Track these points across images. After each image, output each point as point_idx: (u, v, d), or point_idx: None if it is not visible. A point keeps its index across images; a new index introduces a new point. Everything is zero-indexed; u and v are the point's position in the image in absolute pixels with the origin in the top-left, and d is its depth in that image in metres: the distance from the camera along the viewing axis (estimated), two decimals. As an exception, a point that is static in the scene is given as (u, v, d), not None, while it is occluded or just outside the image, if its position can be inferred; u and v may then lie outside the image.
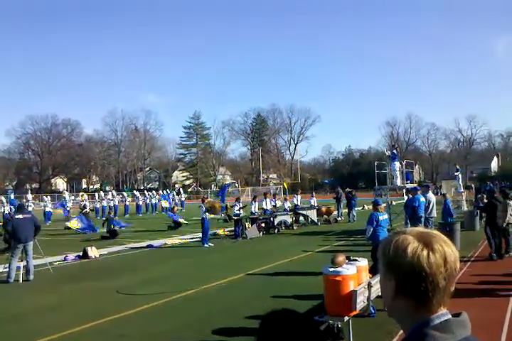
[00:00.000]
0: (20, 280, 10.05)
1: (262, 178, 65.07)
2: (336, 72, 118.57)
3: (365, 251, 8.92)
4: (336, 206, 23.94)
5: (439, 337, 1.04)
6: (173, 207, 26.14)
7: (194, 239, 16.64)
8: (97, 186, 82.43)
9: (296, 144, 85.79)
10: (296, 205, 22.38)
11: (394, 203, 21.00)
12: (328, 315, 5.49)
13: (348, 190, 24.62)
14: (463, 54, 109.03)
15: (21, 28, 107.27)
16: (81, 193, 41.39)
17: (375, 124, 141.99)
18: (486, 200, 12.28)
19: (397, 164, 17.94)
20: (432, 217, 13.41)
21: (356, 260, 6.03)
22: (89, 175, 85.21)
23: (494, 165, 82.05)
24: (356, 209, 23.37)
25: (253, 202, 19.33)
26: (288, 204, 22.55)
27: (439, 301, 1.09)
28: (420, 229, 1.16)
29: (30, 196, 36.91)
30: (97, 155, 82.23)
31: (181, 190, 45.51)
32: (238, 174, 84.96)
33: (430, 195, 13.80)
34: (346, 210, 22.97)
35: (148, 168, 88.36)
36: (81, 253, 13.32)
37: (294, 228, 19.71)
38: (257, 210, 19.17)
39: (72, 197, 41.26)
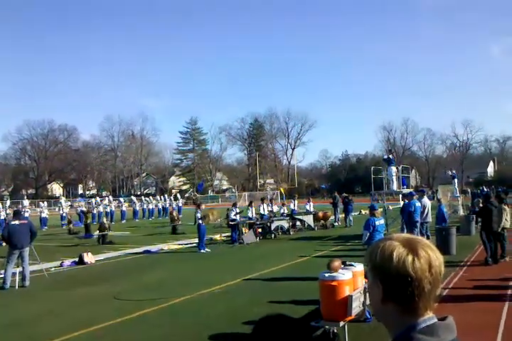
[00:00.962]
0: (16, 287, 10.01)
1: (259, 183, 65.06)
2: (332, 77, 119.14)
3: (362, 256, 8.88)
4: (333, 211, 23.98)
5: None
6: (172, 215, 25.38)
7: (191, 245, 16.62)
8: (94, 191, 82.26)
9: (293, 149, 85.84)
10: (292, 210, 22.40)
11: (390, 208, 21.05)
12: (324, 320, 5.49)
13: (344, 195, 24.70)
14: (459, 58, 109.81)
15: (19, 31, 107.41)
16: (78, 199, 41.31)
17: (372, 129, 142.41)
18: (481, 205, 12.33)
19: (393, 169, 17.99)
20: (427, 222, 13.47)
21: (352, 265, 6.05)
22: (86, 181, 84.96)
23: (490, 169, 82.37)
24: (353, 214, 23.41)
25: (250, 207, 19.36)
26: (285, 210, 22.58)
27: (425, 305, 1.12)
28: (406, 235, 1.19)
29: (26, 202, 36.86)
30: (94, 160, 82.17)
31: (178, 195, 45.45)
32: (235, 179, 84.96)
33: (425, 200, 13.87)
34: (343, 215, 23.02)
35: (144, 174, 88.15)
36: (77, 259, 13.29)
37: (291, 233, 19.70)
38: (254, 215, 19.19)
39: (69, 203, 41.06)
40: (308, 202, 23.05)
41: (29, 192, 78.11)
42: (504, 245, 11.03)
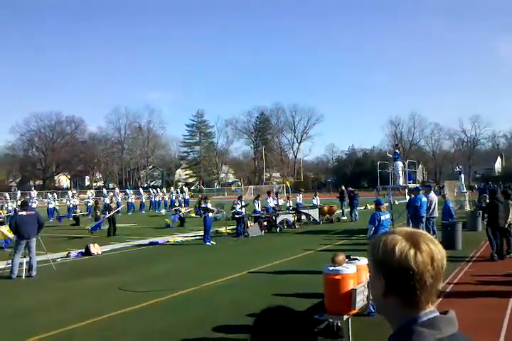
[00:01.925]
0: (23, 276, 10.13)
1: (264, 177, 65.09)
2: (339, 71, 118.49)
3: (367, 250, 8.93)
4: (340, 205, 23.98)
5: (426, 334, 1.08)
6: (176, 208, 25.44)
7: (196, 237, 16.70)
8: (101, 183, 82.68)
9: (299, 143, 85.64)
10: (298, 204, 22.42)
11: (396, 203, 20.99)
12: (327, 314, 5.52)
13: (350, 189, 24.65)
14: (467, 54, 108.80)
15: (26, 24, 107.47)
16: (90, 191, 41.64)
17: (379, 123, 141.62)
18: (488, 201, 12.26)
19: (399, 164, 17.90)
20: (433, 217, 13.41)
21: (356, 259, 6.05)
22: (93, 173, 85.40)
23: (498, 165, 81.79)
24: (358, 208, 23.40)
25: (256, 201, 19.40)
26: (290, 203, 22.60)
27: (427, 299, 1.12)
28: (409, 229, 1.19)
29: (34, 193, 37.07)
30: (101, 152, 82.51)
31: (184, 188, 45.56)
32: (241, 172, 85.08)
33: (432, 195, 13.80)
34: (348, 209, 23.01)
35: (151, 166, 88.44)
36: (84, 250, 13.41)
37: (296, 227, 19.74)
38: (260, 210, 19.23)
39: (76, 194, 41.34)
40: (315, 196, 23.06)
41: (37, 183, 78.62)
42: (510, 241, 10.97)
